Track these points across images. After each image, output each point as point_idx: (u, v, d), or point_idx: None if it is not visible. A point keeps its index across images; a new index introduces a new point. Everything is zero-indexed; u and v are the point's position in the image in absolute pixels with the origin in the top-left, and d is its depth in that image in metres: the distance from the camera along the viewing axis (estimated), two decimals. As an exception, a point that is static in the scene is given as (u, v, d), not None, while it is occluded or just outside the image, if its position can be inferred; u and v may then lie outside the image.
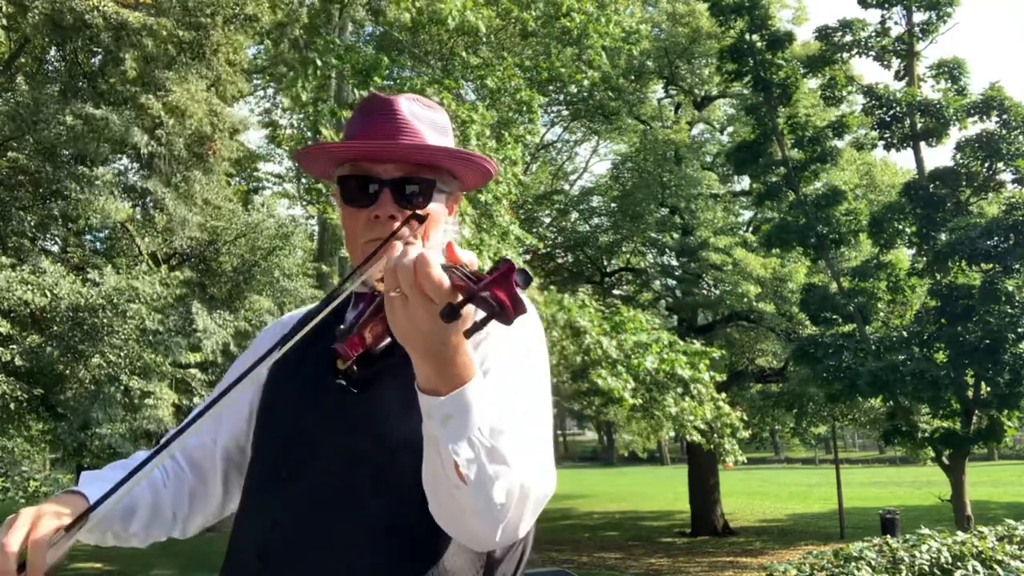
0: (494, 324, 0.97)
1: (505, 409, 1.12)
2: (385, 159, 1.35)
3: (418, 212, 1.25)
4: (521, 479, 1.11)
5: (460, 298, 0.99)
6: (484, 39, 10.49)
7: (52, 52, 11.22)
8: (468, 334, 1.04)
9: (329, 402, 1.29)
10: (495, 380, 1.18)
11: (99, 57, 10.41)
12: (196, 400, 9.61)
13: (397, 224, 1.24)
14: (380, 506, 1.24)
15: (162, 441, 1.21)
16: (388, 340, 1.25)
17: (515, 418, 1.13)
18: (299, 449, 1.30)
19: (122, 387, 8.97)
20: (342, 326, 1.29)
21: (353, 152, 1.36)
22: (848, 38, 13.41)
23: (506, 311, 0.95)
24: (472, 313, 1.01)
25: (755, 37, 13.67)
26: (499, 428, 1.10)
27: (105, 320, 8.99)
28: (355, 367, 1.29)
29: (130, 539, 1.38)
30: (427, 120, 1.39)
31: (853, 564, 3.98)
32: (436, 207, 1.37)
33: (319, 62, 8.75)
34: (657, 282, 20.69)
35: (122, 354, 9.06)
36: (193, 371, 10.02)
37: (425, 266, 1.00)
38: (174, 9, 9.78)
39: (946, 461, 11.94)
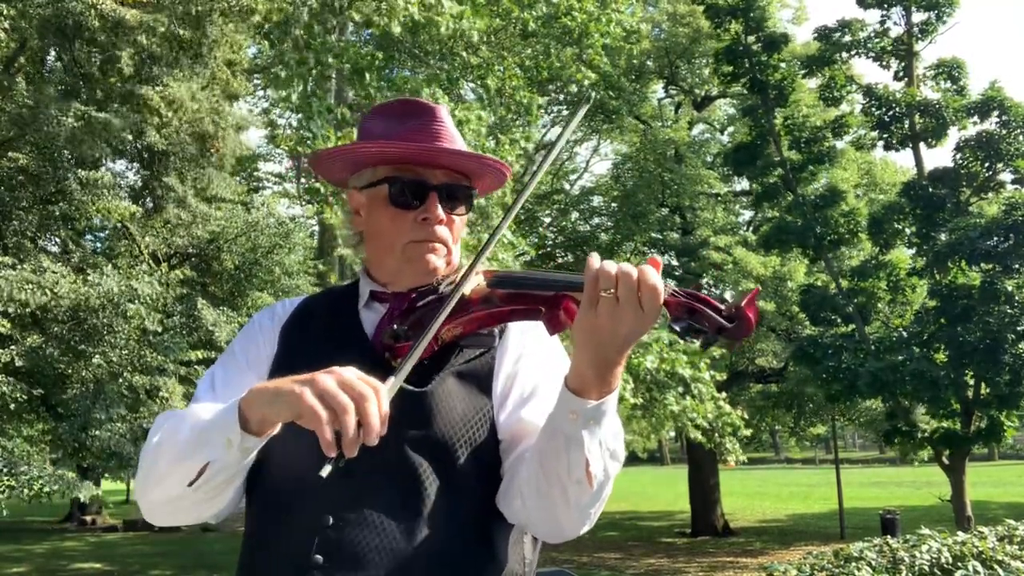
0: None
1: None
2: (440, 164, 1.40)
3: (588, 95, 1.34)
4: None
5: (687, 316, 1.06)
6: (484, 39, 10.47)
7: (52, 53, 11.22)
8: (704, 346, 1.11)
9: None
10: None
11: (97, 59, 10.38)
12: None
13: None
14: (442, 498, 1.25)
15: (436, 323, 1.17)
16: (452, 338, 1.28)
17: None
18: None
19: (126, 384, 8.95)
20: (395, 326, 1.31)
21: (409, 154, 1.38)
22: (847, 38, 13.40)
23: (746, 327, 1.04)
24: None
25: (751, 39, 13.65)
26: (616, 430, 1.15)
27: (105, 320, 8.98)
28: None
29: (224, 494, 1.25)
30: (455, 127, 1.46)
31: (853, 564, 3.97)
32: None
33: (319, 61, 8.71)
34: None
35: (123, 354, 9.05)
36: (199, 368, 9.99)
37: (650, 277, 1.04)
38: (174, 5, 9.76)
39: (946, 461, 11.93)
